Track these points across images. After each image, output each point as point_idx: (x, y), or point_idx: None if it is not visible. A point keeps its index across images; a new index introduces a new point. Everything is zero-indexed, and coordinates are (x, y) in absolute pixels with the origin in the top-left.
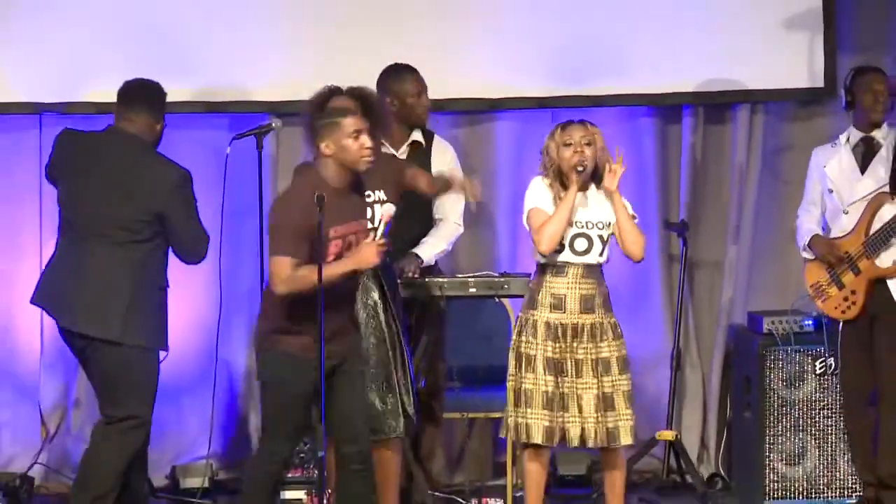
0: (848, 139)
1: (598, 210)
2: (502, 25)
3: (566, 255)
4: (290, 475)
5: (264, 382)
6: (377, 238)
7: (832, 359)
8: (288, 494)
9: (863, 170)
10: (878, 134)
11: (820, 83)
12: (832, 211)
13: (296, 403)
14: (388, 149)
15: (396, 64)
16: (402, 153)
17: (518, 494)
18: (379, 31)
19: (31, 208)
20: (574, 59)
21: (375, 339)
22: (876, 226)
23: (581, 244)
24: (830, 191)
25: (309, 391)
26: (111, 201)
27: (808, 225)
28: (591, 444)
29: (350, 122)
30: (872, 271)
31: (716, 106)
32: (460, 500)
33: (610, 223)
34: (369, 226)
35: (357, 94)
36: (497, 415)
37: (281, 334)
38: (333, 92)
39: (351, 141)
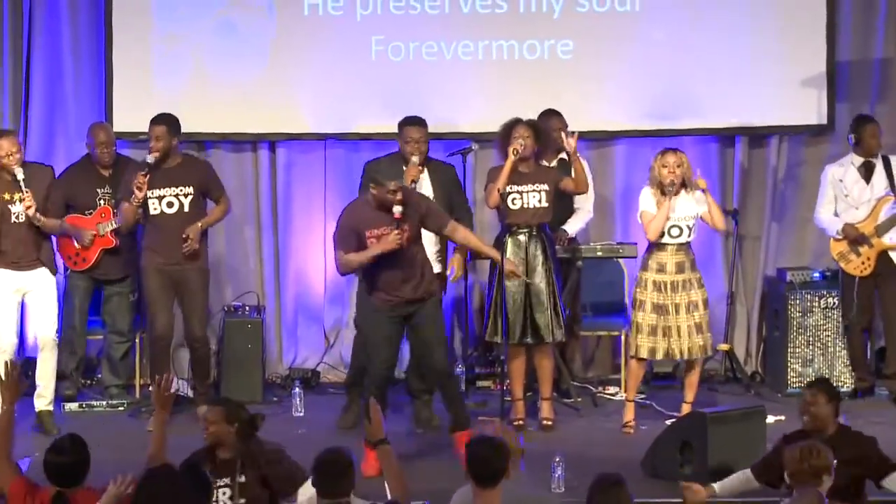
0: (853, 162)
1: (684, 208)
2: (620, 86)
3: (666, 238)
4: (483, 370)
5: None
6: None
7: (835, 299)
8: (481, 384)
9: (867, 181)
10: (873, 160)
11: (824, 121)
12: (844, 208)
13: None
14: (544, 162)
15: (545, 110)
16: (553, 163)
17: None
18: (542, 89)
19: (317, 205)
20: (666, 105)
21: (538, 279)
22: (881, 217)
23: (675, 231)
24: (846, 195)
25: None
26: None
27: (834, 218)
28: (686, 356)
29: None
30: (881, 245)
31: (756, 136)
32: (591, 387)
33: (692, 216)
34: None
35: (531, 123)
36: (615, 333)
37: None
38: (518, 121)
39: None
